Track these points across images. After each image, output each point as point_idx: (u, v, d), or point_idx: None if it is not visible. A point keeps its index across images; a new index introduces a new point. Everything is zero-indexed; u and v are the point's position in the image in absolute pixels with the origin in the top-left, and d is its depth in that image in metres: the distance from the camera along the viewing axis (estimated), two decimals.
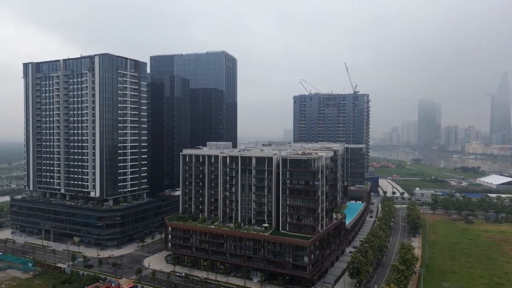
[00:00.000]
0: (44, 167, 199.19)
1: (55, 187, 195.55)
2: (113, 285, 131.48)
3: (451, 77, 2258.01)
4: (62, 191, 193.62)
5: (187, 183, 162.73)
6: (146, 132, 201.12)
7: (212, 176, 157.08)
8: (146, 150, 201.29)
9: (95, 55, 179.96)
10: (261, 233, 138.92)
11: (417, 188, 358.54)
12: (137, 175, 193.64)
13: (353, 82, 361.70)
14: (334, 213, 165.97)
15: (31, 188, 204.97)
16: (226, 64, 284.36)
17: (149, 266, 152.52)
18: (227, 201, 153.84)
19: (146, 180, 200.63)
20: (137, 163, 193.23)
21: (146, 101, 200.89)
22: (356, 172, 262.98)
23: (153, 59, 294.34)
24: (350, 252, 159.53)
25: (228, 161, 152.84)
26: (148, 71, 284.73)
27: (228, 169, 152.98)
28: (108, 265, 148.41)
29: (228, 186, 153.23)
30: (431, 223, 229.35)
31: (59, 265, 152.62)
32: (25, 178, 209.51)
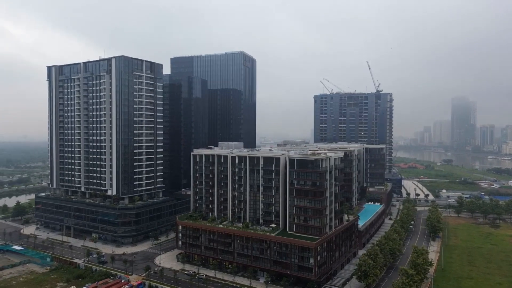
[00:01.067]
0: (66, 166, 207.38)
1: (76, 185, 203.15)
2: (122, 281, 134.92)
3: (486, 75, 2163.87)
4: (82, 189, 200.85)
5: (197, 182, 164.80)
6: (162, 132, 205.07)
7: (222, 176, 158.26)
8: (162, 150, 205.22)
9: (112, 57, 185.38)
10: (267, 234, 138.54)
11: (444, 190, 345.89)
12: (153, 174, 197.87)
13: (376, 81, 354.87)
14: (346, 215, 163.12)
15: (54, 186, 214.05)
16: (244, 65, 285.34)
17: (160, 263, 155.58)
18: (236, 201, 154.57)
19: (162, 179, 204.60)
20: (153, 162, 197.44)
21: (162, 102, 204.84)
22: (376, 173, 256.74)
23: (173, 60, 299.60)
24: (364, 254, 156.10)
25: (236, 161, 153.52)
26: (169, 72, 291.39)
27: (236, 169, 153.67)
28: (121, 261, 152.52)
29: (236, 186, 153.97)
30: (454, 226, 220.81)
31: (75, 260, 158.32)
32: (49, 177, 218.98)
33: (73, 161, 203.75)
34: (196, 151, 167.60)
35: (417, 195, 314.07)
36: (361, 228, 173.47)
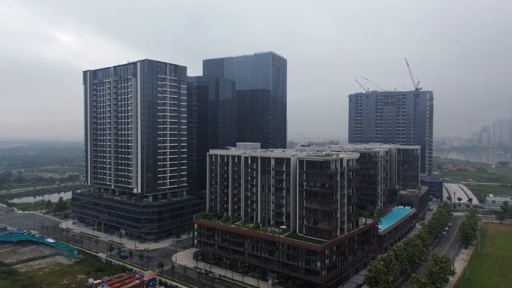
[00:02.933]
0: (99, 165, 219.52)
1: (107, 183, 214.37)
2: (136, 276, 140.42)
3: None
4: (112, 187, 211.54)
5: (213, 182, 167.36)
6: (186, 133, 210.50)
7: (235, 176, 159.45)
8: (186, 150, 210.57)
9: (138, 61, 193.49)
10: (276, 235, 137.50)
11: (491, 195, 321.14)
12: (177, 174, 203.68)
13: (415, 78, 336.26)
14: (364, 218, 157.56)
15: (89, 184, 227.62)
16: (273, 65, 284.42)
17: (176, 260, 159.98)
18: (249, 201, 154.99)
19: (185, 178, 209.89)
20: (177, 162, 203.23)
21: (186, 104, 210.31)
22: (409, 175, 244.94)
23: (205, 62, 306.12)
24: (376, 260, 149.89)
25: (249, 162, 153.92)
26: (201, 74, 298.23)
27: (249, 170, 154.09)
28: (143, 257, 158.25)
29: (249, 186, 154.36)
30: (493, 234, 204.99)
31: (99, 254, 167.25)
32: (85, 175, 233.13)
33: (104, 160, 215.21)
34: (212, 152, 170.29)
35: (459, 199, 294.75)
36: (382, 233, 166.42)
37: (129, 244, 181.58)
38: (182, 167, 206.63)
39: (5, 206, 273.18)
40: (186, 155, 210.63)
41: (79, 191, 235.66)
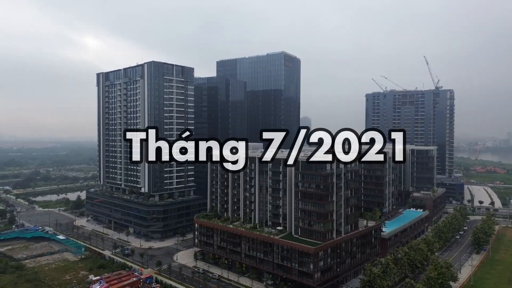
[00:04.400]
0: (111, 164, 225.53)
1: (118, 182, 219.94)
2: (135, 273, 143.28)
3: None
4: (123, 186, 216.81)
5: (213, 182, 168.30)
6: (193, 133, 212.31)
7: (235, 176, 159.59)
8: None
9: (145, 63, 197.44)
10: (271, 236, 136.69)
11: None
12: (184, 174, 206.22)
13: (435, 77, 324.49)
14: (365, 220, 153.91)
15: (101, 183, 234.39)
16: (286, 65, 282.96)
17: (177, 259, 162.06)
18: (247, 202, 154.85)
19: (193, 178, 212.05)
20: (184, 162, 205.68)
21: (193, 104, 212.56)
22: (423, 177, 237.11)
23: (219, 63, 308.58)
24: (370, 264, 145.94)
25: (248, 162, 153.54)
26: (215, 74, 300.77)
27: (248, 170, 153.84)
28: (146, 255, 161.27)
29: (248, 186, 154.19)
30: (510, 239, 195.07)
31: (105, 252, 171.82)
32: (98, 174, 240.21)
33: (115, 160, 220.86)
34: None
35: (481, 202, 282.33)
36: (386, 236, 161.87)
37: (135, 242, 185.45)
38: (189, 167, 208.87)
39: (26, 203, 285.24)
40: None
41: (93, 190, 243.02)
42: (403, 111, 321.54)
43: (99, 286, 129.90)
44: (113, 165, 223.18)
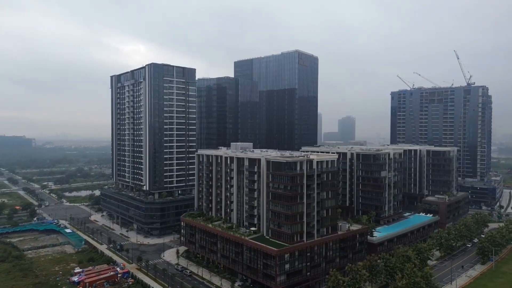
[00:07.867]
0: (121, 163, 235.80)
1: (126, 180, 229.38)
2: (115, 268, 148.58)
3: None
4: (130, 184, 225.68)
5: (200, 182, 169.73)
6: (194, 133, 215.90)
7: (218, 176, 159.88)
8: (194, 150, 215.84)
9: (146, 65, 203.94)
10: (242, 237, 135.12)
11: None
12: (184, 172, 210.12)
13: (467, 72, 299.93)
14: (348, 224, 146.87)
15: (114, 180, 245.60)
16: (300, 63, 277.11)
17: (163, 256, 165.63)
18: (228, 201, 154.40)
19: (193, 177, 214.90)
20: (184, 161, 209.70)
21: (195, 105, 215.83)
22: (439, 180, 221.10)
23: (236, 64, 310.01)
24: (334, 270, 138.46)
25: (229, 162, 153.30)
26: (232, 75, 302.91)
27: (228, 170, 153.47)
28: (137, 251, 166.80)
29: (228, 186, 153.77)
30: None
31: (102, 246, 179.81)
32: (111, 172, 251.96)
33: (124, 158, 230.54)
34: (199, 151, 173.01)
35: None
36: (375, 241, 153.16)
37: (133, 238, 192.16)
38: (190, 166, 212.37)
39: (56, 198, 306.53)
40: (194, 155, 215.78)
41: (106, 187, 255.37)
42: (430, 109, 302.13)
43: (77, 278, 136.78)
44: (123, 163, 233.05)
